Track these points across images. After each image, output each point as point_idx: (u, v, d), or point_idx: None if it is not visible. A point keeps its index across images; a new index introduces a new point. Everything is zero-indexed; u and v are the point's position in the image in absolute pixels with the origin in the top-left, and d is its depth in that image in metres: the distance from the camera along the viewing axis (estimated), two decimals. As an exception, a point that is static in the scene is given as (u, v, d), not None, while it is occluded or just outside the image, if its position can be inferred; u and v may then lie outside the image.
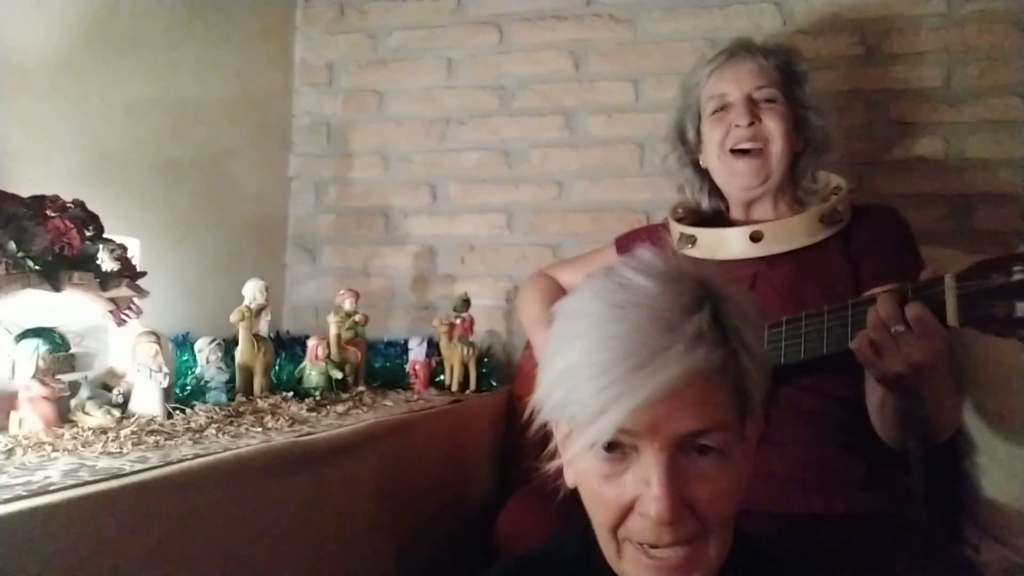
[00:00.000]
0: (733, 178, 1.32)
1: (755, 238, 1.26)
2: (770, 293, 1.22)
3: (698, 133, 1.39)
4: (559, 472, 0.75)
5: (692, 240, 1.32)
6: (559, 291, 1.56)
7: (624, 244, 1.49)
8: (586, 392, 0.67)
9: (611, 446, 0.69)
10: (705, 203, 1.42)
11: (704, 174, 1.40)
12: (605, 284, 0.72)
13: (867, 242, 1.24)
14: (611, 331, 0.67)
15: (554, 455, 0.74)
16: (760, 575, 0.79)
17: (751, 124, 1.29)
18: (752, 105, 1.30)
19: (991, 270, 0.93)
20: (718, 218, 1.41)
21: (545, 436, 0.77)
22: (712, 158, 1.35)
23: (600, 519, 0.73)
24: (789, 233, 1.25)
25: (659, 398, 0.65)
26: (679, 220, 1.39)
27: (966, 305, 0.94)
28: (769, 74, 1.31)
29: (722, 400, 0.69)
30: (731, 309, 0.70)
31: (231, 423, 1.09)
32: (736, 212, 1.38)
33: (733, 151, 1.31)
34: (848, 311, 1.04)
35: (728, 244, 1.28)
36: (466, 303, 1.67)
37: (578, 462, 0.72)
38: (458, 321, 1.63)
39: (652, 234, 1.46)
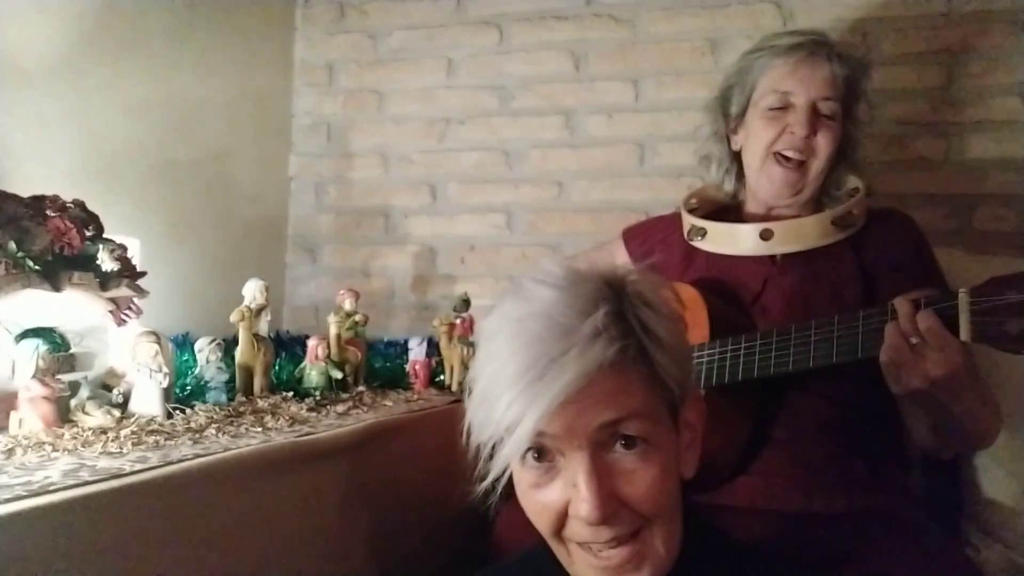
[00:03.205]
0: (767, 183, 1.27)
1: (765, 236, 1.24)
2: (779, 297, 1.22)
3: (743, 114, 1.31)
4: (489, 491, 0.76)
5: (702, 233, 1.31)
6: None
7: (632, 236, 1.48)
8: (497, 409, 0.69)
9: (539, 455, 0.71)
10: (728, 185, 1.37)
11: (735, 156, 1.35)
12: (510, 302, 0.74)
13: (882, 252, 1.22)
14: (513, 347, 0.69)
15: (485, 476, 0.75)
16: (721, 566, 0.79)
17: (807, 136, 1.22)
18: (813, 115, 1.22)
19: (1005, 287, 0.93)
20: (732, 211, 1.38)
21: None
22: (753, 154, 1.28)
23: (541, 527, 0.74)
24: (800, 234, 1.24)
25: (564, 400, 0.67)
26: (692, 211, 1.36)
27: (979, 321, 0.94)
28: (838, 86, 1.23)
29: (635, 390, 0.70)
30: (634, 302, 0.71)
31: (231, 423, 1.09)
32: (753, 206, 1.34)
33: (777, 154, 1.25)
34: (859, 322, 1.04)
35: (738, 240, 1.28)
36: (466, 303, 1.67)
37: (515, 475, 0.74)
38: (458, 321, 1.63)
39: (661, 225, 1.45)
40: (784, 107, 1.24)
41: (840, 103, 1.23)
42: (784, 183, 1.25)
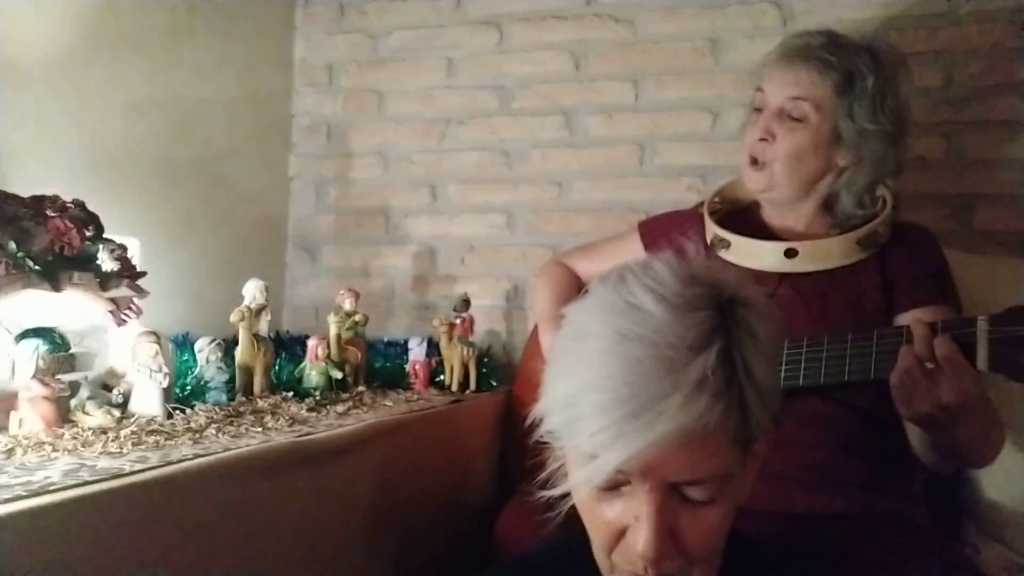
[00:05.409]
0: (747, 181, 1.30)
1: (789, 255, 1.22)
2: (797, 302, 1.20)
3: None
4: (556, 497, 0.75)
5: (727, 244, 1.28)
6: (575, 282, 1.50)
7: (649, 231, 1.44)
8: (582, 430, 0.66)
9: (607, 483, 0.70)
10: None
11: None
12: (614, 302, 0.69)
13: (903, 266, 1.21)
14: (612, 367, 0.66)
15: (547, 482, 0.75)
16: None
17: (762, 140, 1.24)
18: (776, 119, 1.23)
19: None
20: (752, 210, 1.37)
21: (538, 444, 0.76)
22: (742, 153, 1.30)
23: (597, 539, 0.74)
24: (825, 254, 1.22)
25: (654, 448, 0.64)
26: (714, 212, 1.35)
27: (997, 351, 0.93)
28: (813, 88, 1.20)
29: (719, 449, 0.68)
30: (743, 336, 0.68)
31: (231, 423, 1.09)
32: (768, 208, 1.34)
33: (750, 155, 1.26)
34: (872, 341, 1.03)
35: (761, 256, 1.25)
36: (466, 303, 1.67)
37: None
38: (458, 321, 1.63)
39: (678, 219, 1.42)
40: (761, 108, 1.26)
41: (814, 105, 1.20)
42: (753, 182, 1.27)
